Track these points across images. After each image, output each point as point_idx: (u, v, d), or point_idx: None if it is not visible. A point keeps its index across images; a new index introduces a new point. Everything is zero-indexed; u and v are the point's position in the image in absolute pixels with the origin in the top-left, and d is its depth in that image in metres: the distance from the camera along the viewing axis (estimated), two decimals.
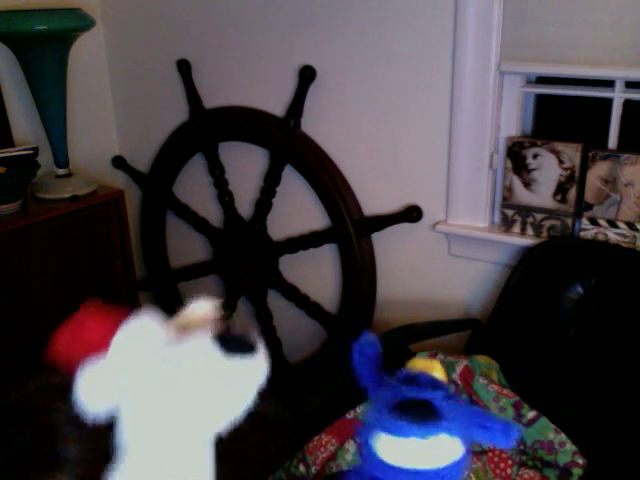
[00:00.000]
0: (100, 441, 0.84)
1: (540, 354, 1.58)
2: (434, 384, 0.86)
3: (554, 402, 1.44)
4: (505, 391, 1.42)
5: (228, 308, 2.30)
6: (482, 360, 1.52)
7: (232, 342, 0.80)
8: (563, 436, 1.33)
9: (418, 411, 0.78)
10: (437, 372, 0.92)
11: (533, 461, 1.33)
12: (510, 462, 1.30)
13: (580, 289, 1.56)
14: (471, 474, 1.26)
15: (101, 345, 0.84)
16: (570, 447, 1.31)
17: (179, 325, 0.93)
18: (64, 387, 0.92)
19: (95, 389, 0.80)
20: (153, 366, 0.82)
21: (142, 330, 0.87)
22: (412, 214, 1.84)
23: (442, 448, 0.78)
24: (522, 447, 1.34)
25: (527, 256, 1.66)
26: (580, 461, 1.31)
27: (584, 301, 1.56)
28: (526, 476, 1.29)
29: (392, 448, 0.78)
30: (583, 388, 1.49)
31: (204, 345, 0.81)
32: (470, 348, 1.68)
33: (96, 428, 0.85)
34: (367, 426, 0.80)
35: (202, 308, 0.98)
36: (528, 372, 1.56)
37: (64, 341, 0.86)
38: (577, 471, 1.30)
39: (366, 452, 0.80)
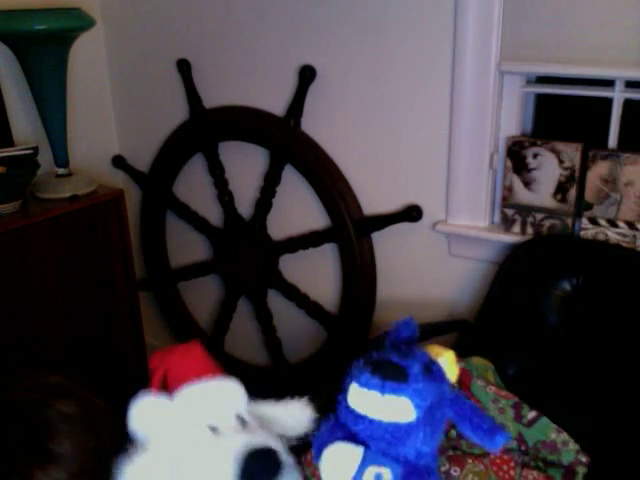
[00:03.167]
0: (92, 438, 0.84)
1: (530, 354, 1.58)
2: (426, 361, 0.92)
3: (547, 402, 1.43)
4: (503, 392, 1.42)
5: (229, 308, 2.30)
6: (478, 362, 1.51)
7: (258, 467, 0.80)
8: (565, 435, 1.32)
9: (389, 371, 0.90)
10: (446, 359, 0.96)
11: (535, 461, 1.33)
12: (512, 464, 1.29)
13: (567, 286, 1.56)
14: (475, 478, 1.26)
15: (178, 384, 0.90)
16: (573, 446, 1.31)
17: (254, 413, 0.93)
18: (60, 386, 0.93)
19: (145, 415, 0.86)
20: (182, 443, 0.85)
21: (211, 398, 0.90)
22: (412, 214, 1.84)
23: (395, 408, 0.89)
24: (524, 448, 1.34)
25: (512, 254, 1.67)
26: (584, 459, 1.30)
27: (572, 299, 1.56)
28: (530, 477, 1.28)
29: (358, 396, 0.90)
30: (576, 387, 1.49)
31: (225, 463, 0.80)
32: (459, 349, 1.67)
33: (85, 423, 0.86)
34: (347, 377, 0.93)
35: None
36: (519, 373, 1.57)
37: (157, 362, 0.93)
38: (582, 469, 1.29)
39: (340, 399, 0.94)
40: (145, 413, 0.86)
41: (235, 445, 0.82)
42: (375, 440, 0.91)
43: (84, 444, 0.84)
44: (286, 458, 0.84)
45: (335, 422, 0.96)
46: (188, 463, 0.83)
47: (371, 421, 0.90)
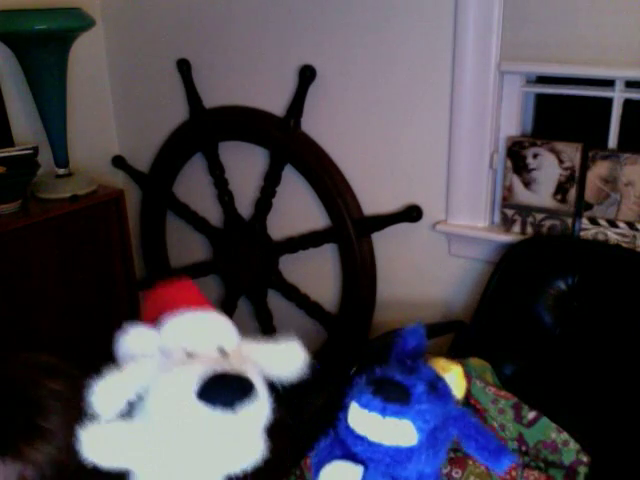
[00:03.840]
0: (82, 415, 0.84)
1: (527, 354, 1.58)
2: (431, 379, 0.89)
3: (544, 402, 1.43)
4: (503, 392, 1.41)
5: (228, 308, 2.30)
6: (476, 363, 1.51)
7: (221, 390, 0.77)
8: (565, 435, 1.32)
9: (391, 392, 0.86)
10: (454, 374, 0.93)
11: (536, 462, 1.33)
12: (514, 464, 1.29)
13: (562, 286, 1.57)
14: None
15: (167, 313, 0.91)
16: (574, 445, 1.31)
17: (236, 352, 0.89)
18: (50, 364, 0.93)
19: (131, 343, 0.86)
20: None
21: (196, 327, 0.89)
22: (412, 214, 1.84)
23: (397, 431, 0.85)
24: (524, 448, 1.34)
25: (507, 254, 1.67)
26: (585, 459, 1.30)
27: (567, 298, 1.56)
28: (531, 478, 1.28)
29: (358, 417, 0.87)
30: (573, 387, 1.49)
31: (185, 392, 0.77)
32: (456, 350, 1.67)
33: (76, 401, 0.86)
34: (349, 395, 0.89)
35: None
36: (516, 373, 1.56)
37: (148, 296, 0.96)
38: (583, 469, 1.29)
39: (340, 417, 0.91)
40: (131, 342, 0.86)
41: (204, 367, 0.80)
42: (374, 462, 0.88)
43: (74, 421, 0.84)
44: (258, 387, 0.79)
45: (335, 438, 0.93)
46: (155, 385, 0.81)
47: (370, 443, 0.86)
